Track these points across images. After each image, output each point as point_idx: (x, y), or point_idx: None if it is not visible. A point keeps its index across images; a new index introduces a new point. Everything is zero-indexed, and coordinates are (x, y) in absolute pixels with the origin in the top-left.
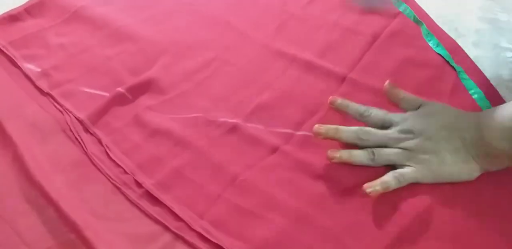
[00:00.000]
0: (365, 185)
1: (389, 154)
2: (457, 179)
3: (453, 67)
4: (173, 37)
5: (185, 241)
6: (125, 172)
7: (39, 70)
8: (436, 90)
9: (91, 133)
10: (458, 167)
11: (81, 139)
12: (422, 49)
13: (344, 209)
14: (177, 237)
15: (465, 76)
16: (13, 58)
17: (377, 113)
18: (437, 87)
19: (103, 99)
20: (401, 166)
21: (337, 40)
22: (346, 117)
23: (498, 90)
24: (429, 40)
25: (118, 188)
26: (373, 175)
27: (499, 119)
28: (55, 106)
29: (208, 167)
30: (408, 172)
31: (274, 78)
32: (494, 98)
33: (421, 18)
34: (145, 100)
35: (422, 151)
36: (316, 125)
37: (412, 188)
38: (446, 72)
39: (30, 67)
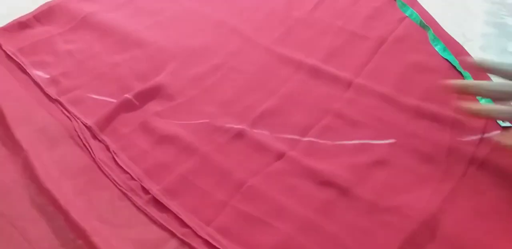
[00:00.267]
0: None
1: None
2: None
3: (459, 72)
4: (180, 43)
5: (192, 248)
6: (132, 178)
7: (48, 76)
8: (443, 96)
9: (99, 140)
10: None
11: (89, 146)
12: (428, 54)
13: (350, 215)
14: (184, 243)
15: None
16: (22, 65)
17: None
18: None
19: (110, 106)
20: None
21: (343, 45)
22: (354, 122)
23: None
24: (436, 45)
25: (125, 194)
26: (381, 183)
27: None
28: (64, 113)
29: (215, 174)
30: None
31: (280, 83)
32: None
33: (428, 23)
34: (152, 106)
35: None
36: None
37: (418, 194)
38: (453, 77)
39: (39, 74)
